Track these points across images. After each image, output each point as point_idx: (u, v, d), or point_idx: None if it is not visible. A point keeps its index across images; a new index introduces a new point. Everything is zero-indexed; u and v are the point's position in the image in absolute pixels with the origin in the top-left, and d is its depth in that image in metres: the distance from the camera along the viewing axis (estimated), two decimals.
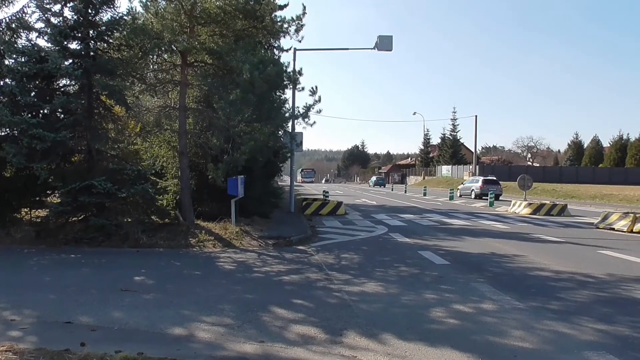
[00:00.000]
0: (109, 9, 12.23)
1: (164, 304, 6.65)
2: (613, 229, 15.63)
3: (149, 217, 13.00)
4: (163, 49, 13.03)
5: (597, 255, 11.10)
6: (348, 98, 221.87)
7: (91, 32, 12.10)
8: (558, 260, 10.22)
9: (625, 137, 72.39)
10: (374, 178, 78.37)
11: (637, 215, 15.50)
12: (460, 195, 36.68)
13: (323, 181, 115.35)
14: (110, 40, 12.53)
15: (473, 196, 34.52)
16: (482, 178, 35.72)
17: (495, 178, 36.35)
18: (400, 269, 9.36)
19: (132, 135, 14.14)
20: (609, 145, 75.10)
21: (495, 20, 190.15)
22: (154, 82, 14.00)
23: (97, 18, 12.14)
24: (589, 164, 73.02)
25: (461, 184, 41.25)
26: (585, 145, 78.94)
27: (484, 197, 31.60)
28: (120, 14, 12.29)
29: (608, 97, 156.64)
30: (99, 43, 12.47)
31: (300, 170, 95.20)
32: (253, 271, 9.08)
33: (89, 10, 11.92)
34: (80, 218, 12.23)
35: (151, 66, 14.04)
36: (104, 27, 12.14)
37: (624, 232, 15.12)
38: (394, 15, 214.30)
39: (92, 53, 12.17)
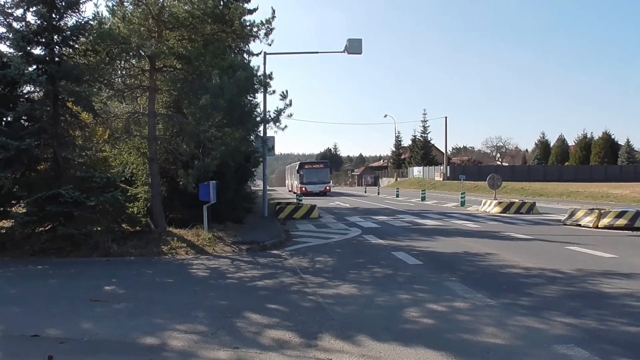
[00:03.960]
0: (74, 14, 11.99)
1: (135, 313, 6.53)
2: (580, 225, 16.06)
3: (120, 225, 12.75)
4: (131, 54, 12.83)
5: (565, 251, 11.38)
6: (320, 102, 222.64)
7: (56, 37, 11.83)
8: (528, 257, 10.44)
9: (589, 135, 74.67)
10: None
11: (602, 211, 15.97)
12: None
13: None
14: (76, 46, 12.26)
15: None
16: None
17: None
18: (374, 271, 9.41)
19: (101, 142, 13.87)
20: (574, 144, 77.25)
21: (456, 28, 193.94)
22: (122, 88, 13.76)
23: (62, 23, 11.87)
24: (555, 162, 74.95)
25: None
26: (551, 144, 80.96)
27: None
28: (86, 19, 12.07)
29: (570, 98, 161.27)
30: (64, 48, 12.20)
31: (296, 168, 48.31)
32: (227, 277, 8.99)
33: (53, 15, 11.64)
34: (47, 228, 11.91)
35: (119, 71, 13.81)
36: (69, 32, 11.87)
37: (590, 227, 15.55)
38: (361, 20, 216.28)
39: (57, 59, 11.88)
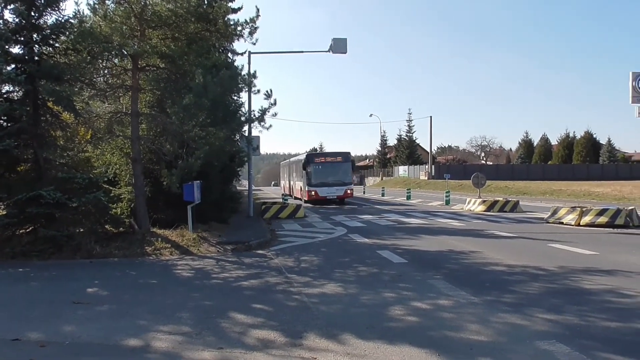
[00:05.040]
0: (54, 12, 11.81)
1: (119, 315, 6.45)
2: (562, 223, 16.27)
3: (102, 226, 12.60)
4: (113, 53, 12.67)
5: (548, 248, 11.52)
6: (306, 101, 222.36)
7: (35, 35, 11.65)
8: (511, 255, 10.55)
9: (571, 135, 75.73)
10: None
11: (584, 209, 16.21)
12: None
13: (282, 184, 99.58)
14: (56, 44, 12.08)
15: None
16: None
17: None
18: (359, 269, 9.44)
19: (83, 143, 13.68)
20: (557, 143, 78.26)
21: (441, 28, 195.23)
22: (104, 87, 13.58)
23: (42, 21, 11.70)
24: (539, 161, 75.83)
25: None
26: (535, 144, 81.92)
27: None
28: (67, 17, 11.89)
29: (553, 97, 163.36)
30: (44, 47, 12.02)
31: (302, 163, 30.77)
32: (211, 278, 8.94)
33: (32, 13, 11.47)
34: (28, 230, 11.72)
35: (101, 71, 13.61)
36: (48, 31, 11.69)
37: (572, 225, 15.76)
38: (345, 20, 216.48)
39: (36, 57, 11.71)
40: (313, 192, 28.55)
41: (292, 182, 37.91)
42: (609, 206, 17.35)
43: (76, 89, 12.39)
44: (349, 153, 30.84)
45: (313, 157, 30.72)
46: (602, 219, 15.35)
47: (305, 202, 27.39)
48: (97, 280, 8.81)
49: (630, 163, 71.18)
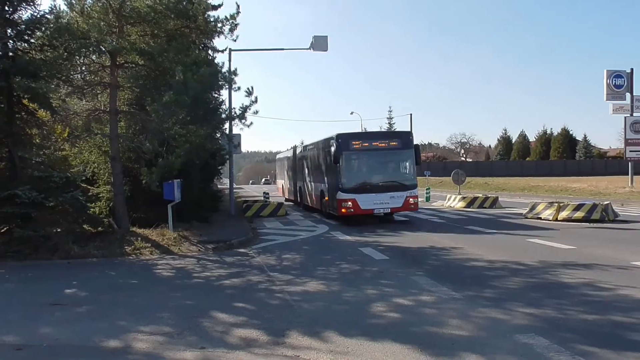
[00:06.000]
0: (28, 7, 11.57)
1: (98, 316, 6.35)
2: (540, 218, 16.53)
3: (80, 226, 12.38)
4: (90, 49, 12.43)
5: (527, 243, 11.69)
6: (287, 99, 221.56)
7: (9, 31, 11.39)
8: (491, 251, 10.68)
9: (549, 131, 77.05)
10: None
11: (561, 204, 16.48)
12: None
13: (262, 182, 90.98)
14: (32, 40, 11.83)
15: None
16: None
17: None
18: (341, 267, 9.45)
19: (60, 141, 13.44)
20: (534, 139, 79.53)
21: (420, 26, 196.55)
22: (82, 85, 13.33)
23: (16, 16, 11.45)
24: (517, 157, 77.00)
25: None
26: (513, 140, 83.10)
27: None
28: (42, 12, 11.64)
29: (531, 94, 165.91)
30: (18, 43, 11.77)
31: (330, 150, 16.76)
32: (193, 277, 8.86)
33: (6, 8, 11.20)
34: (3, 230, 11.47)
35: (78, 67, 13.35)
36: (23, 26, 11.45)
37: (550, 220, 16.02)
38: (326, 18, 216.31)
39: (11, 53, 11.45)
40: (350, 202, 16.19)
41: (298, 183, 24.42)
42: (585, 201, 17.67)
43: (53, 86, 12.12)
44: (410, 133, 18.49)
45: (348, 139, 16.89)
46: (579, 214, 15.62)
47: (334, 216, 17.57)
48: (75, 281, 8.66)
49: (606, 159, 72.73)
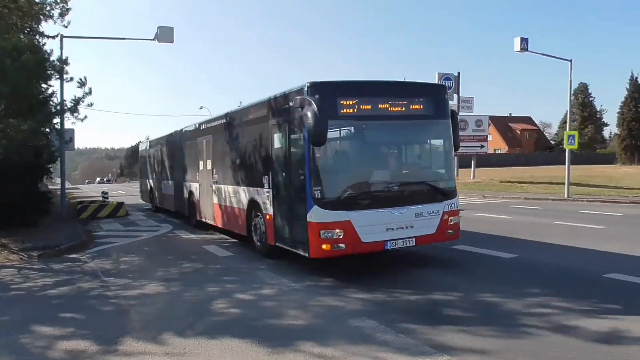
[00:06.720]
0: None
1: None
2: None
3: None
4: None
5: None
6: (131, 94, 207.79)
7: None
8: None
9: None
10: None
11: None
12: None
13: (97, 181, 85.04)
14: None
15: None
16: None
17: None
18: (183, 266, 9.16)
19: None
20: None
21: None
22: None
23: None
24: None
25: None
26: None
27: None
28: None
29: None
30: None
31: (287, 114, 7.93)
32: (10, 289, 7.84)
33: None
34: None
35: None
36: None
37: None
38: (168, 10, 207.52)
39: None
40: (338, 229, 7.41)
41: (197, 188, 14.15)
42: None
43: None
44: (443, 87, 10.25)
45: (334, 94, 7.59)
46: None
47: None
48: None
49: None
